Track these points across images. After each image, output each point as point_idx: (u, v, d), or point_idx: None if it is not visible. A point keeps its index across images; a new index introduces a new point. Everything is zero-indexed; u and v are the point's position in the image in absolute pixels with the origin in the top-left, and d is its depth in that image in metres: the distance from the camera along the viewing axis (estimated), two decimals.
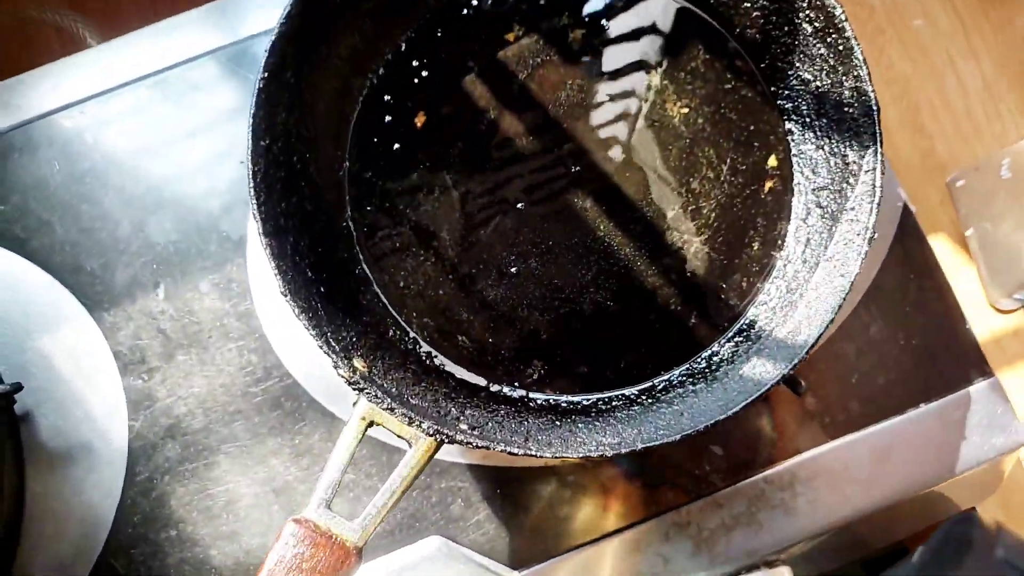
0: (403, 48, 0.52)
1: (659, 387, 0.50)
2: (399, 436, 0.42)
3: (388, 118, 0.52)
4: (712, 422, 0.42)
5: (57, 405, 0.53)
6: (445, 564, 0.51)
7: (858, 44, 0.45)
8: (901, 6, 0.71)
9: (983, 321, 0.64)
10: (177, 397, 0.53)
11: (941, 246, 0.65)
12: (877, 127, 0.45)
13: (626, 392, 0.50)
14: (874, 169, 0.45)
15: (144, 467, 0.53)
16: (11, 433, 0.52)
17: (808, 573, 0.60)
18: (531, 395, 0.50)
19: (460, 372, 0.50)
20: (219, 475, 0.53)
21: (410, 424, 0.41)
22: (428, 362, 0.50)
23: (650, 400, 0.49)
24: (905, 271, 0.55)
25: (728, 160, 0.53)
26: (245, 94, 0.57)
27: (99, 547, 0.52)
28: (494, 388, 0.50)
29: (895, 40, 0.70)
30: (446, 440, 0.42)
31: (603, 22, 0.53)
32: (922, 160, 0.67)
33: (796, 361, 0.43)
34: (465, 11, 0.53)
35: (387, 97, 0.52)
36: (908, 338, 0.54)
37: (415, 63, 0.53)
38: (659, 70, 0.53)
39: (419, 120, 0.52)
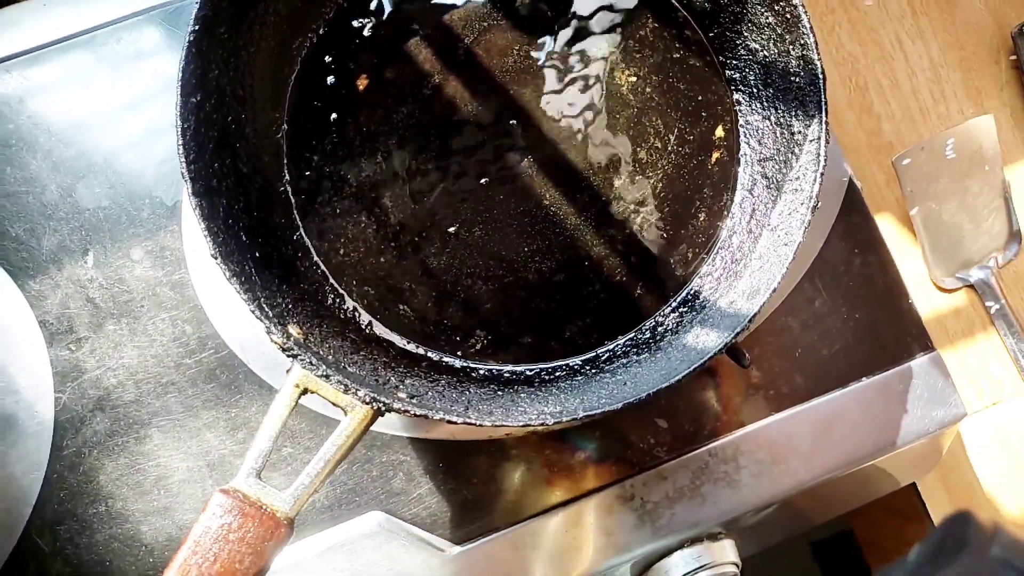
0: (345, 6, 0.51)
1: (603, 357, 0.49)
2: (334, 404, 0.41)
3: (329, 80, 0.51)
4: (654, 390, 0.42)
5: None
6: (386, 539, 0.50)
7: (806, 12, 0.45)
8: None
9: (926, 300, 0.65)
10: (107, 368, 0.51)
11: (886, 225, 0.66)
12: (823, 96, 0.45)
13: (570, 362, 0.49)
14: (819, 138, 0.45)
15: (71, 441, 0.51)
16: None
17: (752, 547, 0.60)
18: (473, 365, 0.49)
19: (401, 342, 0.49)
20: (151, 449, 0.51)
21: (346, 392, 0.40)
22: (368, 331, 0.49)
23: (593, 370, 0.48)
24: (849, 246, 0.55)
25: (676, 130, 0.52)
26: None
27: (22, 523, 0.49)
28: (436, 358, 0.49)
29: (845, 21, 0.71)
30: (383, 408, 0.40)
31: None
32: (869, 140, 0.68)
33: (738, 330, 0.43)
34: None
35: (328, 58, 0.51)
36: (851, 312, 0.54)
37: (357, 24, 0.51)
38: (608, 38, 0.53)
39: (361, 83, 0.51)
